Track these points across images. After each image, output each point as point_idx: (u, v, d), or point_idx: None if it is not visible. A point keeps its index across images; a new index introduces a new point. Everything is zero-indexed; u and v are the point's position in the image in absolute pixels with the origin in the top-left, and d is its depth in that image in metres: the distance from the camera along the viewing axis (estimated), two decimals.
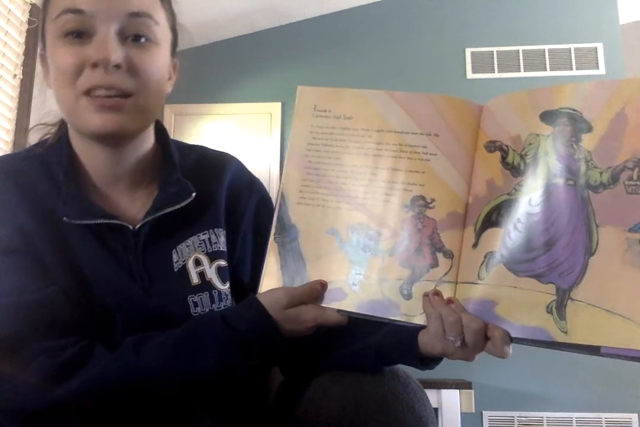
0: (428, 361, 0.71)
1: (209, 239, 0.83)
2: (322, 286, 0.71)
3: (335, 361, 0.78)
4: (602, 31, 3.15)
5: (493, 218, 0.66)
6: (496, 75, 3.17)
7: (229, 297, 0.84)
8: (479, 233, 0.67)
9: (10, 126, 2.22)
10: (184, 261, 0.82)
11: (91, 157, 0.81)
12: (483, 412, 2.82)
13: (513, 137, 0.66)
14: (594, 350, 0.58)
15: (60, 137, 0.84)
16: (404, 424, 0.70)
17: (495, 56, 3.19)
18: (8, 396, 0.68)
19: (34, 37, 2.27)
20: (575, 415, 2.80)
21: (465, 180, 0.69)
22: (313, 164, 0.73)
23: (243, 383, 0.85)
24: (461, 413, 2.53)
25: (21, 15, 2.27)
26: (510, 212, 0.65)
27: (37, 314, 0.72)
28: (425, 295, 0.67)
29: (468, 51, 3.21)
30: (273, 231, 0.73)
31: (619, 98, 0.60)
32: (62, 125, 0.85)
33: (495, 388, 2.83)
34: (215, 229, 0.84)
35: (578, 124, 0.62)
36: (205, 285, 0.82)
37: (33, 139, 0.88)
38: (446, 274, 0.68)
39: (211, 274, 0.82)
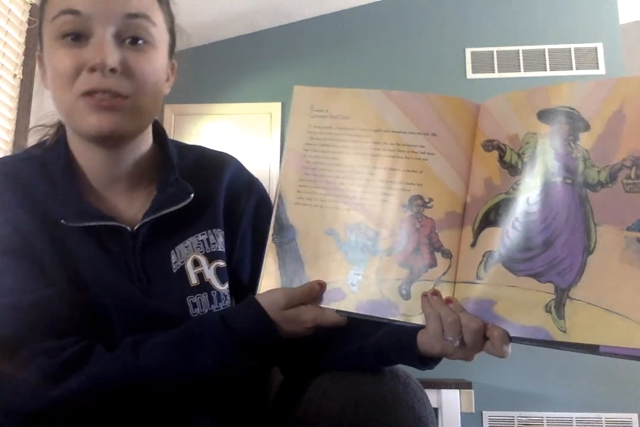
0: (427, 361, 0.71)
1: (208, 239, 0.83)
2: (321, 286, 0.71)
3: (335, 361, 0.78)
4: (602, 31, 3.15)
5: (491, 217, 0.66)
6: (496, 75, 3.17)
7: (228, 297, 0.84)
8: (477, 232, 0.67)
9: (10, 126, 2.22)
10: (182, 262, 0.81)
11: (89, 159, 0.81)
12: (483, 412, 2.82)
13: (510, 136, 0.66)
14: (592, 349, 0.58)
15: (59, 139, 0.84)
16: (404, 424, 0.70)
17: (495, 56, 3.19)
18: (8, 395, 0.68)
19: (34, 37, 2.26)
20: (575, 415, 2.79)
21: (463, 179, 0.69)
22: (310, 164, 0.73)
23: (243, 383, 0.85)
24: (461, 413, 2.53)
25: (21, 15, 2.27)
26: (508, 211, 0.65)
27: (36, 314, 0.72)
28: (424, 295, 0.67)
29: (468, 51, 3.21)
30: (271, 231, 0.73)
31: (617, 97, 0.60)
32: (60, 127, 0.85)
33: (495, 388, 2.83)
34: (214, 230, 0.84)
35: (575, 122, 0.62)
36: (204, 286, 0.82)
37: (32, 140, 0.88)
38: (445, 273, 0.68)
39: (210, 274, 0.82)
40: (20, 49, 2.27)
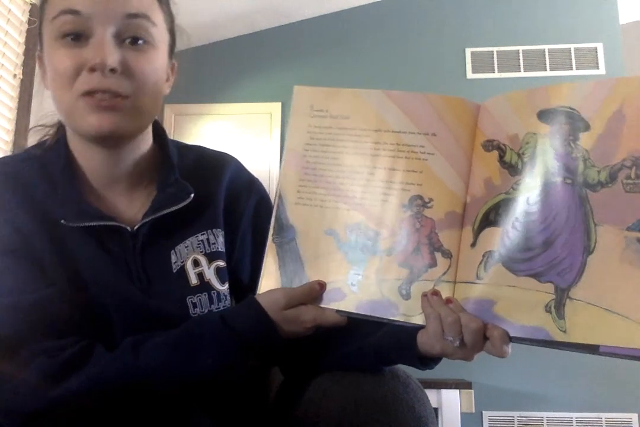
0: (427, 361, 0.71)
1: (208, 239, 0.83)
2: (321, 286, 0.70)
3: (335, 361, 0.78)
4: (602, 31, 3.15)
5: (491, 217, 0.66)
6: (496, 75, 3.17)
7: (228, 297, 0.84)
8: (477, 232, 0.67)
9: (10, 126, 2.22)
10: (182, 262, 0.81)
11: (89, 159, 0.81)
12: (483, 412, 2.82)
13: (510, 136, 0.66)
14: (592, 349, 0.58)
15: (59, 139, 0.84)
16: (404, 424, 0.70)
17: (495, 56, 3.19)
18: (8, 395, 0.68)
19: (34, 37, 2.26)
20: (575, 415, 2.79)
21: (463, 179, 0.69)
22: (310, 164, 0.73)
23: (243, 383, 0.85)
24: (461, 413, 2.53)
25: (21, 15, 2.27)
26: (508, 211, 0.65)
27: (36, 314, 0.72)
28: (424, 295, 0.67)
29: (468, 51, 3.21)
30: (271, 231, 0.73)
31: (617, 96, 0.60)
32: (60, 127, 0.85)
33: (495, 388, 2.83)
34: (214, 230, 0.84)
35: (575, 122, 0.62)
36: (204, 286, 0.82)
37: (32, 140, 0.88)
38: (445, 273, 0.68)
39: (210, 274, 0.82)
40: (20, 49, 2.27)
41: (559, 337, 0.60)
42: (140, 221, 0.79)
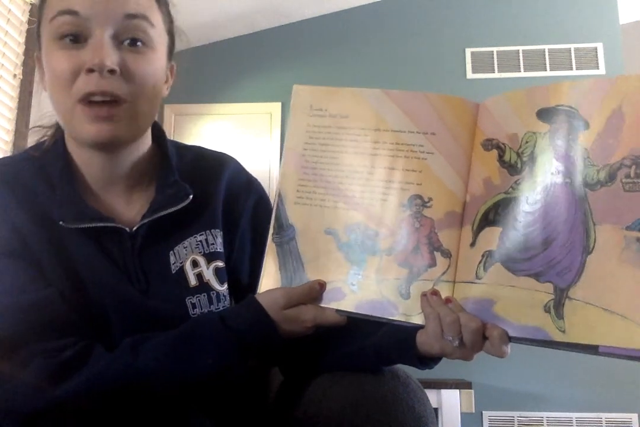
0: (427, 361, 0.71)
1: (206, 240, 0.83)
2: (321, 286, 0.70)
3: (335, 361, 0.78)
4: (602, 31, 3.15)
5: (490, 217, 0.66)
6: (496, 75, 3.16)
7: (227, 298, 0.84)
8: (476, 232, 0.67)
9: (10, 126, 2.22)
10: (181, 263, 0.81)
11: (87, 161, 0.81)
12: (483, 412, 2.82)
13: (510, 136, 0.66)
14: (591, 349, 0.58)
15: (57, 140, 0.83)
16: (404, 424, 0.70)
17: (495, 56, 3.19)
18: (7, 395, 0.68)
19: (34, 37, 2.26)
20: (575, 415, 2.79)
21: (463, 179, 0.69)
22: (310, 164, 0.73)
23: (242, 383, 0.85)
24: (461, 413, 2.53)
25: (21, 15, 2.27)
26: (507, 211, 0.65)
27: (35, 314, 0.72)
28: (423, 294, 0.67)
29: (468, 51, 3.21)
30: (271, 231, 0.73)
31: (616, 95, 0.59)
32: (58, 128, 0.85)
33: (495, 388, 2.83)
34: (212, 230, 0.84)
35: (575, 121, 0.62)
36: (203, 286, 0.82)
37: (31, 140, 0.88)
38: (444, 273, 0.68)
39: (209, 275, 0.82)
40: (20, 49, 2.27)
41: (558, 337, 0.60)
42: (138, 222, 0.79)
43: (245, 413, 0.85)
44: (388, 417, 0.70)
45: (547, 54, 3.16)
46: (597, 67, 3.11)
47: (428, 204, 0.69)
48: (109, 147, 0.77)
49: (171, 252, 0.81)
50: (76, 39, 0.73)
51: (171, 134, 3.18)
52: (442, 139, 0.69)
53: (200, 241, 0.83)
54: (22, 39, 2.28)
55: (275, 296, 0.71)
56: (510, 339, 0.63)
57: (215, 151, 0.93)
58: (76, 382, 0.67)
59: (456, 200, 0.68)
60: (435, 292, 0.67)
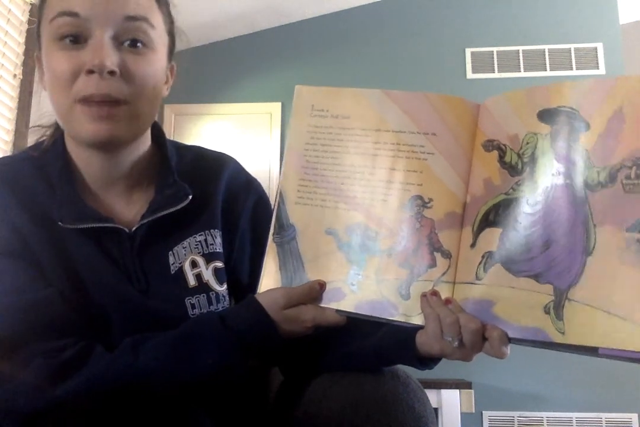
0: (427, 361, 0.71)
1: (205, 240, 0.83)
2: (321, 286, 0.70)
3: (334, 361, 0.78)
4: (602, 31, 3.15)
5: (491, 218, 0.66)
6: (496, 75, 3.16)
7: (227, 298, 0.84)
8: (476, 233, 0.67)
9: (10, 126, 2.22)
10: (180, 263, 0.81)
11: (86, 161, 0.81)
12: (483, 412, 2.82)
13: (511, 136, 0.66)
14: (591, 351, 0.58)
15: (56, 140, 0.83)
16: (404, 424, 0.70)
17: (495, 56, 3.19)
18: (8, 395, 0.68)
19: (34, 37, 2.26)
20: (575, 415, 2.79)
21: (463, 179, 0.69)
22: (311, 164, 0.73)
23: (243, 383, 0.85)
24: (461, 413, 2.53)
25: (21, 15, 2.26)
26: (508, 212, 0.65)
27: (35, 314, 0.72)
28: (423, 295, 0.67)
29: (468, 51, 3.21)
30: (271, 230, 0.73)
31: (617, 96, 0.59)
32: (57, 128, 0.85)
33: (495, 388, 2.83)
34: (212, 230, 0.84)
35: (576, 122, 0.62)
36: (203, 287, 0.82)
37: (31, 140, 0.88)
38: (444, 274, 0.68)
39: (208, 275, 0.82)
40: (20, 49, 2.27)
41: (558, 338, 0.60)
42: (138, 222, 0.79)
43: (245, 413, 0.85)
44: (388, 417, 0.70)
45: (547, 54, 3.16)
46: (597, 67, 3.11)
47: (428, 205, 0.69)
48: (108, 146, 0.77)
49: (170, 252, 0.81)
50: (76, 39, 0.73)
51: (171, 134, 3.18)
52: (442, 140, 0.69)
53: (200, 242, 0.83)
54: (22, 39, 2.27)
55: (275, 295, 0.71)
56: (510, 340, 0.63)
57: (215, 151, 0.93)
58: (76, 382, 0.67)
59: (457, 201, 0.68)
60: (435, 293, 0.67)
